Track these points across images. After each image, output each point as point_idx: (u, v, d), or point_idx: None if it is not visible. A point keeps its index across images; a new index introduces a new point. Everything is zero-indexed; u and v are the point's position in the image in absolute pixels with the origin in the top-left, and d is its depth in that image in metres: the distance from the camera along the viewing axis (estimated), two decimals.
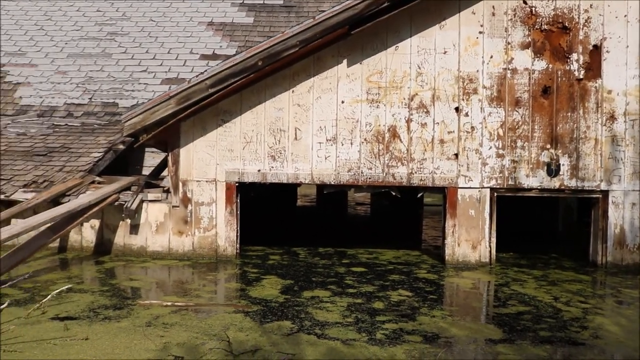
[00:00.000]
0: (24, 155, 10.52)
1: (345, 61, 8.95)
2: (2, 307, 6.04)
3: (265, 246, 10.47)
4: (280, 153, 9.01)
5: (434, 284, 8.01)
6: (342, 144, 8.98)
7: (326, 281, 7.99)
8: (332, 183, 9.07)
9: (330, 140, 8.99)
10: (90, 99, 12.75)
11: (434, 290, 7.65)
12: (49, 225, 8.09)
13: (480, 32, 8.93)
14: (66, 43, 14.21)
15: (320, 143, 8.99)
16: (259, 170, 9.04)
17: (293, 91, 8.98)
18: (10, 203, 9.08)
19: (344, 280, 8.08)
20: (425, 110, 8.96)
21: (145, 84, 12.89)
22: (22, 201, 8.91)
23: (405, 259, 9.61)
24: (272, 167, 9.03)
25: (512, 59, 8.92)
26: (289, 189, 16.50)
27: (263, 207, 14.43)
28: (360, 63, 8.94)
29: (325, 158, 8.98)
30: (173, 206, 9.13)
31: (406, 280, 8.11)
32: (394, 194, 9.34)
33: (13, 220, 8.90)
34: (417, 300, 7.06)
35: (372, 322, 6.12)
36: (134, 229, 9.19)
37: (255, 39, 13.54)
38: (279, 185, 9.42)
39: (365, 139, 8.97)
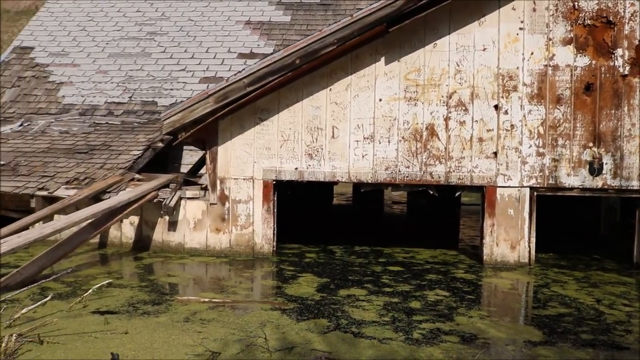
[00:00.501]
0: (67, 153, 10.75)
1: (382, 59, 8.90)
2: (45, 300, 6.19)
3: (302, 244, 10.48)
4: (318, 151, 9.01)
5: (472, 284, 7.91)
6: (380, 142, 8.93)
7: (362, 280, 7.96)
8: (369, 182, 9.03)
9: (367, 138, 8.94)
10: (130, 97, 12.96)
11: (471, 291, 7.54)
12: (90, 221, 8.25)
13: (520, 29, 8.77)
14: (107, 43, 14.48)
15: (357, 141, 8.96)
16: (296, 169, 9.05)
17: (330, 89, 8.97)
18: (53, 199, 9.29)
19: (381, 279, 8.03)
20: (463, 108, 8.84)
21: (183, 82, 13.05)
22: (64, 197, 9.11)
23: (442, 259, 9.51)
24: (309, 165, 9.03)
25: (554, 55, 8.74)
26: (325, 188, 16.50)
27: (299, 206, 14.46)
28: (398, 61, 8.88)
29: (363, 156, 8.95)
30: (211, 203, 9.21)
31: (443, 280, 8.02)
32: (431, 192, 9.25)
33: (56, 216, 9.11)
34: (454, 300, 6.97)
35: (408, 322, 6.07)
36: (172, 225, 9.31)
37: (293, 37, 13.58)
38: (315, 183, 9.42)
39: (402, 137, 8.91)
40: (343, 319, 6.12)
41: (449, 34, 8.84)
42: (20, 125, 12.37)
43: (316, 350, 5.11)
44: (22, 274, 7.08)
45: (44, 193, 9.35)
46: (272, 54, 10.93)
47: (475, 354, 5.13)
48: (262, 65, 8.59)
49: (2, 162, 10.46)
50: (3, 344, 4.90)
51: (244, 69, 9.07)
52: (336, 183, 10.07)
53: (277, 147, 9.07)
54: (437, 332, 5.75)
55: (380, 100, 8.91)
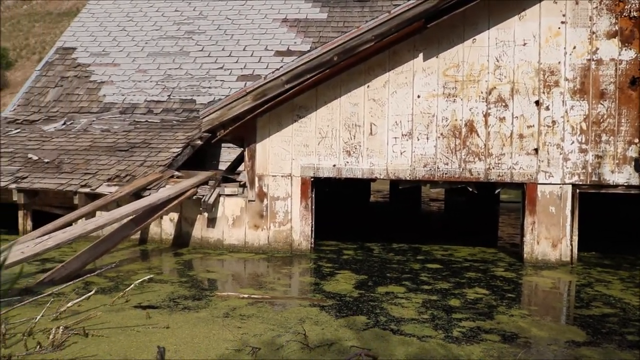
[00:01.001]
0: (108, 151, 10.95)
1: (421, 55, 8.83)
2: (89, 294, 6.32)
3: (339, 241, 10.48)
4: (356, 148, 8.99)
5: (512, 282, 7.79)
6: (418, 139, 8.87)
7: (401, 277, 7.92)
8: (408, 179, 8.97)
9: (405, 135, 8.89)
10: (169, 96, 13.13)
11: (512, 289, 7.43)
12: (131, 217, 8.39)
13: (562, 22, 8.60)
14: (146, 43, 14.69)
15: (395, 138, 8.91)
16: (334, 166, 9.05)
17: (368, 86, 8.94)
18: (95, 196, 9.48)
19: (419, 276, 7.98)
20: (503, 104, 8.72)
21: (221, 80, 13.17)
22: (106, 194, 9.29)
23: (481, 257, 9.39)
24: (347, 162, 9.02)
25: (597, 49, 8.55)
26: (362, 185, 16.46)
27: (336, 203, 14.46)
28: (437, 57, 8.80)
29: (401, 153, 8.90)
30: (249, 200, 9.28)
31: (483, 278, 7.92)
32: (470, 190, 9.14)
33: (98, 213, 9.30)
34: (494, 299, 6.88)
35: (448, 320, 6.01)
36: (211, 222, 9.40)
37: (329, 34, 13.57)
38: (352, 180, 9.41)
39: (441, 134, 8.82)
40: (382, 316, 6.09)
41: (489, 29, 8.72)
42: (63, 124, 12.65)
43: (355, 347, 5.10)
44: (67, 268, 7.25)
45: (87, 190, 9.54)
46: (309, 51, 10.95)
47: (516, 353, 5.06)
48: (300, 62, 8.60)
49: (46, 160, 10.71)
50: (51, 336, 5.02)
51: (281, 67, 9.11)
52: (374, 180, 10.03)
53: (315, 144, 9.09)
54: (477, 331, 5.68)
55: (418, 96, 8.85)
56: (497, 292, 7.22)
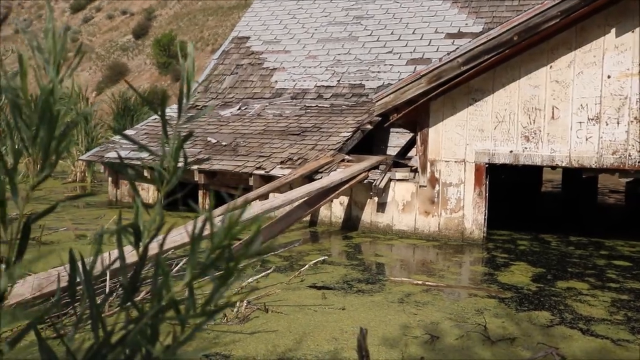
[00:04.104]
0: (280, 134, 11.32)
1: (613, 30, 8.04)
2: (267, 272, 6.54)
3: (512, 231, 9.99)
4: (535, 133, 8.44)
5: None
6: (607, 124, 8.11)
7: (584, 273, 7.34)
8: (593, 167, 8.26)
9: (592, 119, 8.18)
10: (339, 81, 13.28)
11: None
12: (304, 199, 8.58)
13: None
14: (316, 29, 14.97)
15: (580, 122, 8.23)
16: (510, 152, 8.58)
17: (551, 67, 8.33)
18: (269, 178, 9.83)
19: (605, 273, 7.34)
20: None
21: (390, 65, 13.06)
22: (279, 177, 9.59)
23: None
24: (526, 148, 8.50)
25: None
26: (534, 173, 15.59)
27: (507, 191, 13.82)
28: (632, 32, 7.95)
29: (586, 139, 8.20)
30: (420, 186, 9.10)
31: None
32: None
33: (271, 195, 9.63)
34: None
35: None
36: (381, 207, 9.36)
37: (504, 14, 12.91)
38: (528, 167, 8.87)
39: (635, 118, 7.99)
40: (567, 313, 5.66)
41: None
42: (238, 109, 13.29)
43: (542, 344, 4.77)
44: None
45: (261, 172, 9.92)
46: (481, 32, 10.48)
47: None
48: (478, 43, 8.23)
49: (224, 143, 11.31)
50: (235, 309, 5.25)
51: (457, 49, 8.78)
52: (554, 168, 9.39)
53: (490, 128, 8.67)
54: None
55: (608, 77, 8.08)
56: None
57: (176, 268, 5.90)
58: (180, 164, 0.92)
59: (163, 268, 0.88)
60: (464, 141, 8.80)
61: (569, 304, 5.97)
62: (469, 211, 8.86)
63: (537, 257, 8.17)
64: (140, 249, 0.90)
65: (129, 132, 13.55)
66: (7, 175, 0.79)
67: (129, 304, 0.91)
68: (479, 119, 8.69)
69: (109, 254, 3.89)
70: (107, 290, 4.94)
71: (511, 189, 14.25)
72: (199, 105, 14.11)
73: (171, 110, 13.76)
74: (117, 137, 13.36)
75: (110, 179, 12.53)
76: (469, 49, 8.26)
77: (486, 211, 8.89)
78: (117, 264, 1.04)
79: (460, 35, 12.93)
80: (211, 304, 0.85)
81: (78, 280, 0.99)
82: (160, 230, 0.92)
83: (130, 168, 0.96)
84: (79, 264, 0.98)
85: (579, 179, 13.04)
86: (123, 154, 11.68)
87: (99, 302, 0.98)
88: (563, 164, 8.38)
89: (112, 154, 11.88)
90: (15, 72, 0.79)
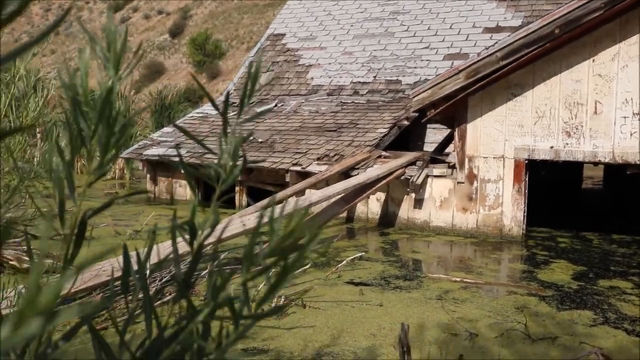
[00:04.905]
0: (317, 131, 11.33)
1: None
2: (305, 267, 6.56)
3: (551, 228, 9.82)
4: (577, 129, 8.27)
5: None
6: None
7: (628, 272, 7.17)
8: (638, 163, 8.05)
9: (637, 114, 7.96)
10: (375, 77, 13.22)
11: None
12: (341, 195, 8.57)
13: None
14: (351, 25, 14.92)
15: (624, 117, 8.03)
16: (551, 147, 8.42)
17: (593, 60, 8.15)
18: (305, 174, 9.85)
19: None
20: None
21: (427, 60, 12.94)
22: (316, 173, 9.60)
23: None
24: (567, 144, 8.33)
25: None
26: (575, 169, 15.28)
27: (546, 187, 13.58)
28: None
29: (631, 134, 8.00)
30: (458, 182, 9.00)
31: None
32: None
33: (307, 191, 9.65)
34: None
35: None
36: (418, 203, 9.30)
37: (543, 7, 12.67)
38: (565, 164, 8.70)
39: None
40: (611, 313, 5.53)
41: None
42: (274, 106, 13.34)
43: (585, 344, 4.67)
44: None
45: (298, 168, 9.95)
46: (520, 26, 10.31)
47: None
48: (517, 37, 8.09)
49: (260, 140, 11.37)
50: (273, 303, 5.27)
51: (495, 43, 8.66)
52: (596, 164, 9.19)
53: (530, 124, 8.52)
54: None
55: None
56: None
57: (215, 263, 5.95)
58: (238, 163, 0.93)
59: (220, 268, 0.89)
60: (502, 137, 8.67)
61: (613, 303, 5.84)
62: (507, 208, 8.73)
63: (578, 255, 8.01)
64: (195, 246, 0.91)
65: (166, 129, 13.73)
66: (66, 170, 0.81)
67: (182, 299, 0.91)
68: (519, 114, 8.55)
69: (157, 248, 3.94)
70: (158, 284, 5.01)
71: (552, 185, 14.00)
72: (235, 103, 14.22)
73: (209, 108, 13.86)
74: (155, 135, 13.55)
75: (148, 176, 12.72)
76: (508, 43, 8.13)
77: (525, 208, 8.75)
78: (165, 260, 1.06)
79: (498, 29, 12.73)
80: (266, 303, 0.85)
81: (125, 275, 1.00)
82: (214, 229, 0.93)
83: (187, 165, 0.97)
84: (133, 258, 0.99)
85: (622, 175, 12.72)
86: (160, 151, 11.84)
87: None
88: (606, 160, 8.19)
89: (151, 151, 12.05)
90: (75, 69, 0.81)
